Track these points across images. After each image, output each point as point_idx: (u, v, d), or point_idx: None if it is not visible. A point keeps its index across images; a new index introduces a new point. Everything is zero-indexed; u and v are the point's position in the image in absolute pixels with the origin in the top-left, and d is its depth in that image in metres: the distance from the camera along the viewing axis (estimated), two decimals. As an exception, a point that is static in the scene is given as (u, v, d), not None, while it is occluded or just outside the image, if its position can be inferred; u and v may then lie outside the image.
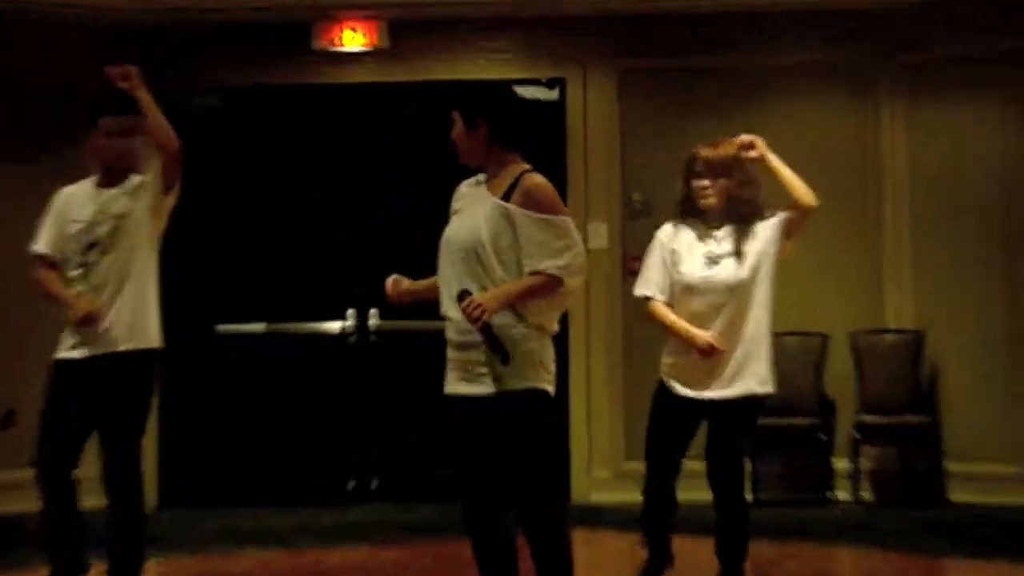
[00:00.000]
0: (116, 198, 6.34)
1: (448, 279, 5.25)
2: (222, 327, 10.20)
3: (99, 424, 6.21)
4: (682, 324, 6.12)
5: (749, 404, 6.15)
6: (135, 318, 6.28)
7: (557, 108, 10.21)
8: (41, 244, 6.38)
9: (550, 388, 5.23)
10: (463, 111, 5.30)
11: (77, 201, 6.37)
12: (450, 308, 5.22)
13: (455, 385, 5.27)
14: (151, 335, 6.33)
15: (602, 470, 10.07)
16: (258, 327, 10.17)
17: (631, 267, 9.47)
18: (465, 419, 5.23)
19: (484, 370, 5.17)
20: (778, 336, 6.48)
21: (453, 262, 5.25)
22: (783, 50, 10.09)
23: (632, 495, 9.86)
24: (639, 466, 9.94)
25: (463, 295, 5.09)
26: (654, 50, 10.17)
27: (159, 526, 8.80)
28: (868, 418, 9.81)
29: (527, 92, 9.91)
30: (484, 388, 5.18)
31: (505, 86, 5.88)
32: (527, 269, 5.16)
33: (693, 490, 6.68)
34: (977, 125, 9.87)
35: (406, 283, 5.45)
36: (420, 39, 10.13)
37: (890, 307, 10.06)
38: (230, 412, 10.17)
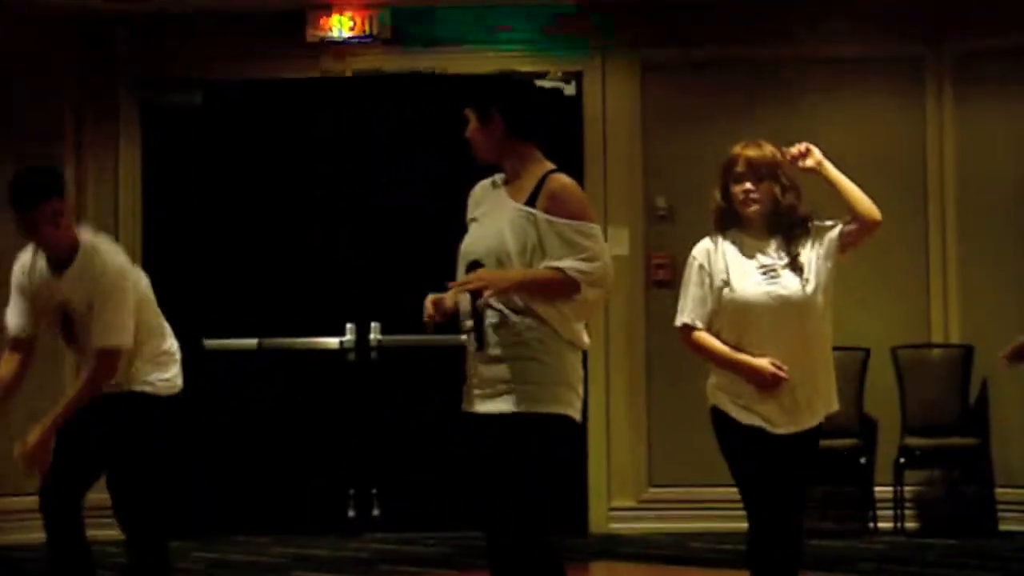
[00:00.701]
0: (70, 287, 6.13)
1: (467, 292, 5.10)
2: (210, 342, 10.00)
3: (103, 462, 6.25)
4: (738, 354, 5.63)
5: (819, 431, 5.71)
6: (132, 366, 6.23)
7: (574, 103, 10.06)
8: (11, 323, 6.27)
9: (577, 415, 5.09)
10: (476, 104, 5.16)
11: (36, 280, 6.21)
12: (471, 321, 5.09)
13: (476, 403, 5.11)
14: (144, 380, 6.24)
15: (623, 498, 9.88)
16: (249, 343, 10.02)
17: (655, 276, 9.72)
18: (485, 439, 5.06)
19: (508, 386, 5.00)
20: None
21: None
22: (821, 40, 9.92)
23: (655, 525, 9.62)
24: (664, 493, 9.67)
25: (473, 266, 5.01)
26: (680, 40, 10.00)
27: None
28: (912, 440, 9.68)
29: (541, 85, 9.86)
30: (507, 406, 5.01)
31: (519, 75, 5.46)
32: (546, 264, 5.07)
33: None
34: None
35: (448, 301, 5.18)
36: (423, 28, 10.00)
37: (936, 320, 9.91)
38: (219, 434, 10.01)
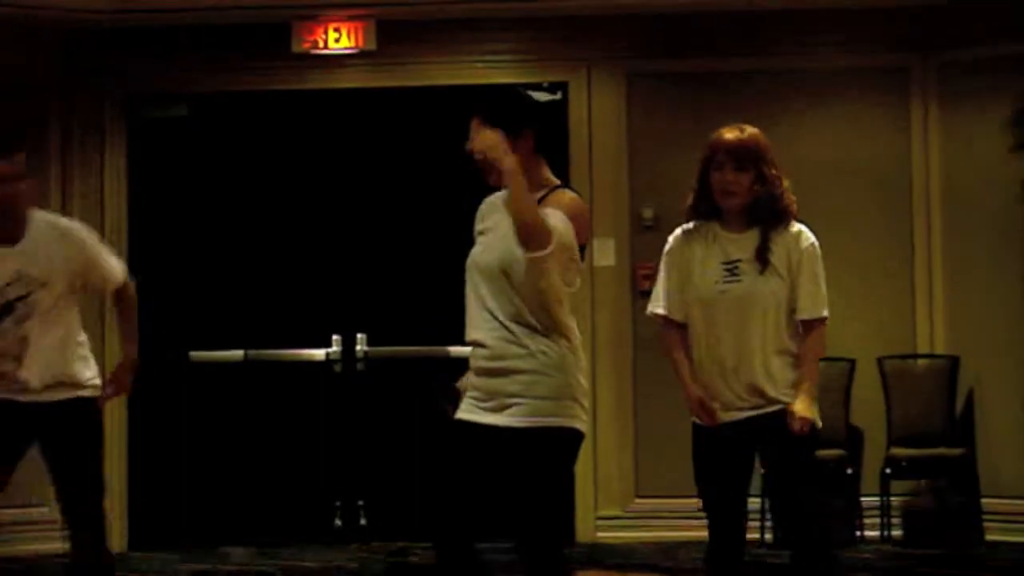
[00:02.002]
0: (19, 257, 5.76)
1: (474, 304, 5.10)
2: (196, 354, 10.00)
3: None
4: (682, 371, 5.51)
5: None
6: (56, 370, 5.93)
7: (559, 114, 9.93)
8: None
9: (584, 428, 5.04)
10: (506, 120, 4.99)
11: None
12: (477, 333, 5.05)
13: (475, 413, 5.05)
14: (76, 384, 5.98)
15: (610, 507, 9.85)
16: (235, 354, 9.98)
17: (641, 286, 9.57)
18: (479, 450, 5.01)
19: (514, 400, 4.95)
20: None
21: (480, 285, 5.08)
22: (807, 51, 9.91)
23: (643, 534, 9.58)
24: (651, 503, 9.65)
25: (447, 390, 5.11)
26: (666, 51, 9.97)
27: (128, 569, 8.73)
28: (898, 450, 9.61)
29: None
30: (511, 420, 4.96)
31: (517, 88, 5.63)
32: None
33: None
34: (1018, 133, 9.77)
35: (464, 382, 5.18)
36: (410, 41, 9.96)
37: (921, 330, 9.86)
38: (205, 446, 9.99)
